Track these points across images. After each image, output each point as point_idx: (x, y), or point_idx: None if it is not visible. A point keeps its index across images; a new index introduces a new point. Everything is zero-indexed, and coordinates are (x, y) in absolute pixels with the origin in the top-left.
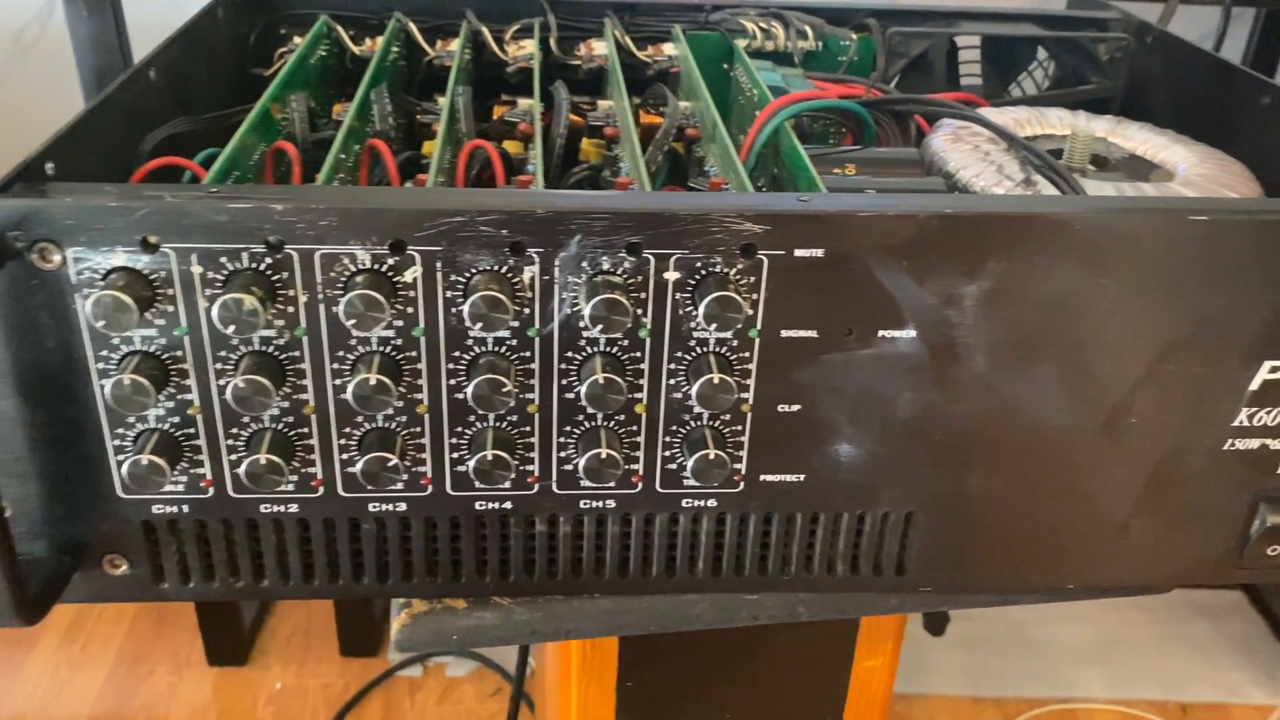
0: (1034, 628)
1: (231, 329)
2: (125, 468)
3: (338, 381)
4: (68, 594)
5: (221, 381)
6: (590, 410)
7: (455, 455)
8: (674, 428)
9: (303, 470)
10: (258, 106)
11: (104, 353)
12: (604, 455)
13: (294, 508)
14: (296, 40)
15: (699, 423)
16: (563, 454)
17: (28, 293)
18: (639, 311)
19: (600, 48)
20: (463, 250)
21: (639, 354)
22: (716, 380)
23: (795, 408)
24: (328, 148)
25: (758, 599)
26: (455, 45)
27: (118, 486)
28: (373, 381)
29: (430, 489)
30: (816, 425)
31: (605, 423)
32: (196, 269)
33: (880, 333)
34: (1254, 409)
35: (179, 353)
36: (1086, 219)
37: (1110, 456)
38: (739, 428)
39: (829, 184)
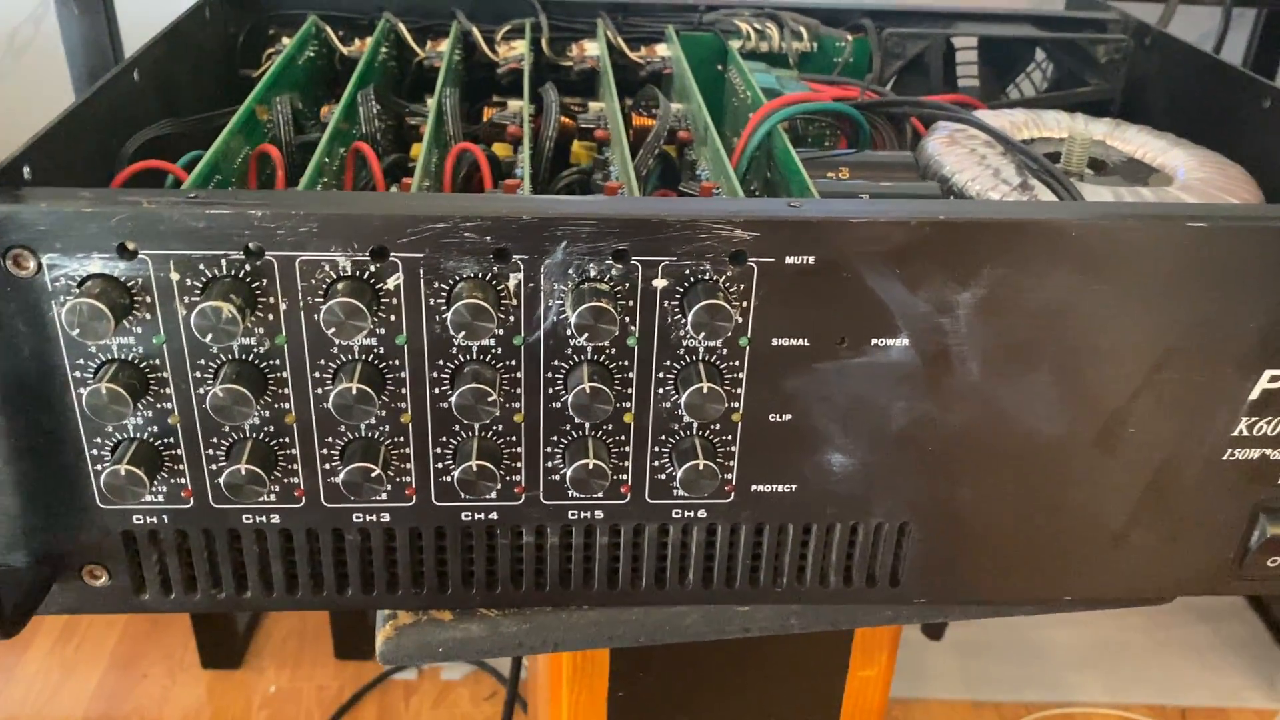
0: (1032, 632)
1: (210, 337)
2: (103, 478)
3: (319, 391)
4: (46, 605)
5: (201, 390)
6: (577, 420)
7: (440, 465)
8: (663, 438)
9: (285, 480)
10: (242, 108)
11: (81, 361)
12: (591, 466)
13: (276, 518)
14: (285, 40)
15: (688, 433)
16: (550, 464)
17: (2, 300)
18: (626, 320)
19: (592, 49)
20: (446, 257)
21: (627, 363)
22: (706, 390)
23: (786, 417)
24: (312, 151)
25: (749, 610)
26: (445, 46)
27: (96, 496)
28: (354, 391)
29: (415, 500)
30: (808, 435)
31: (593, 433)
32: (174, 276)
33: (873, 341)
34: (1254, 419)
35: (157, 361)
36: (1083, 225)
37: (1107, 467)
38: (729, 437)
39: (822, 188)
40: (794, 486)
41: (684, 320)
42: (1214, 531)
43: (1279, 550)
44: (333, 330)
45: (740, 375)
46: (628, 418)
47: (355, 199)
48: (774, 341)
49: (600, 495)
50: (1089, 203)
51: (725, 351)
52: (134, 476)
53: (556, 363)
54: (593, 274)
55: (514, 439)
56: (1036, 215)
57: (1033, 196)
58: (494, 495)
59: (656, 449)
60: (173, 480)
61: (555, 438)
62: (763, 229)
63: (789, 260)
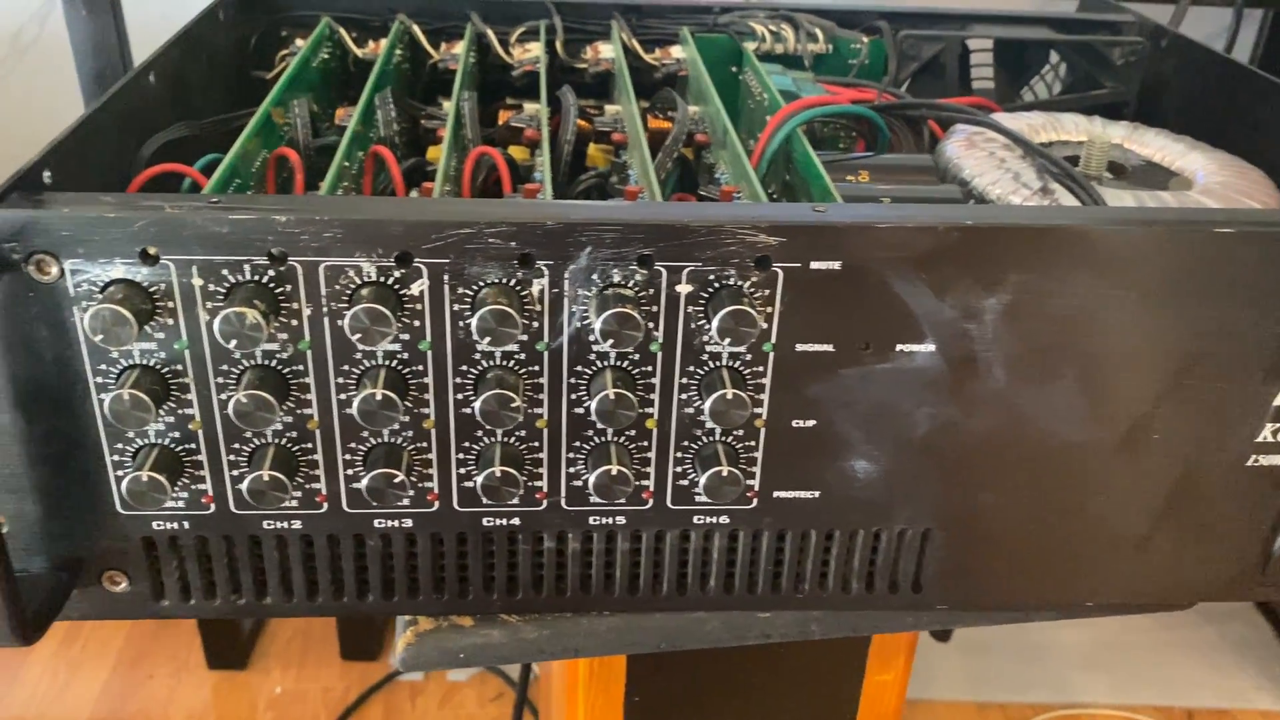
0: (1038, 633)
1: (234, 343)
2: (125, 484)
3: (342, 396)
4: (66, 611)
5: (223, 396)
6: (600, 426)
7: (462, 471)
8: (685, 443)
9: (306, 486)
10: (260, 111)
11: (103, 367)
12: (614, 472)
13: (297, 524)
14: (299, 42)
15: (711, 438)
16: (572, 470)
17: (24, 305)
18: (650, 325)
19: (607, 51)
20: (470, 263)
21: (650, 368)
22: (730, 396)
23: (810, 423)
24: (330, 153)
25: (770, 617)
26: (460, 48)
27: (117, 502)
28: (378, 396)
29: (437, 505)
30: (832, 441)
31: (615, 438)
32: (197, 281)
33: (898, 347)
34: (1278, 424)
35: (179, 367)
36: (1111, 231)
37: (1131, 472)
38: (752, 443)
39: (842, 191)
40: (817, 493)
41: (708, 326)
42: (1237, 537)
43: None
44: (358, 336)
45: (764, 381)
46: (650, 423)
47: (380, 204)
48: (798, 347)
49: (622, 501)
50: (1116, 208)
51: (749, 357)
52: (156, 483)
53: (579, 368)
54: (617, 279)
55: (536, 444)
56: (1064, 221)
57: (1053, 200)
58: (516, 501)
59: (679, 455)
60: (193, 486)
61: (577, 443)
62: (788, 234)
63: (814, 266)
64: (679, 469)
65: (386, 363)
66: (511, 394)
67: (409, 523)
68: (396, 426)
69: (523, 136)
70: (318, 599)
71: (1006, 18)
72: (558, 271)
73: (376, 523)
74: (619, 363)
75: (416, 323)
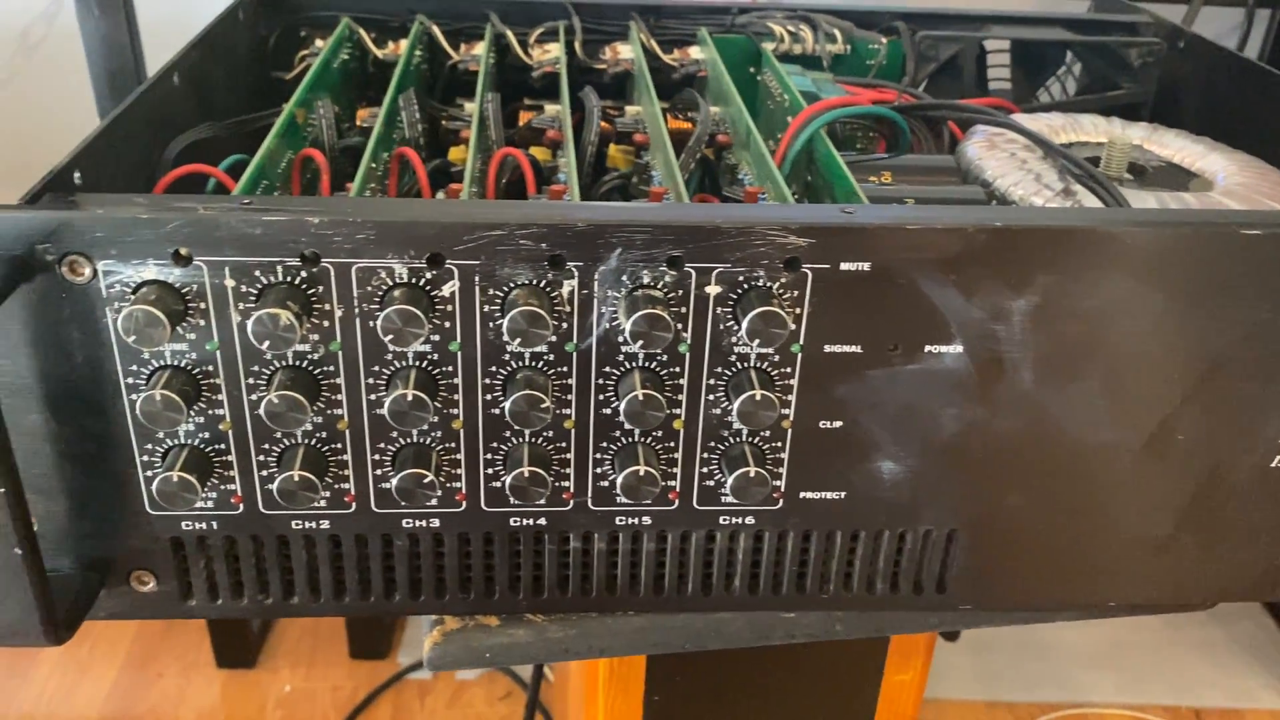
0: (1045, 632)
1: (267, 344)
2: (155, 484)
3: (373, 397)
4: (94, 610)
5: (254, 397)
6: (628, 426)
7: (490, 471)
8: (712, 444)
9: (335, 486)
10: (285, 112)
11: (134, 367)
12: (642, 472)
13: (326, 524)
14: (318, 43)
15: (738, 439)
16: (599, 470)
17: (57, 306)
18: (679, 326)
19: (625, 51)
20: (502, 264)
21: (678, 369)
22: (759, 397)
23: (837, 424)
24: (353, 154)
25: (794, 617)
26: (481, 49)
27: (146, 502)
28: (409, 397)
29: (465, 505)
30: (858, 442)
31: (643, 439)
32: (229, 282)
33: (926, 348)
34: None
35: (210, 367)
36: (1140, 233)
37: (1155, 473)
38: (779, 444)
39: (866, 192)
40: (843, 494)
41: (736, 327)
42: (1261, 538)
43: None
44: (390, 337)
45: (791, 382)
46: (677, 424)
47: (412, 206)
48: (826, 348)
49: (649, 501)
50: (1145, 210)
51: (777, 358)
52: (186, 483)
53: (608, 369)
54: (646, 281)
55: (564, 445)
56: (1093, 223)
57: (1076, 201)
58: (543, 501)
59: (705, 455)
60: (222, 486)
61: (605, 444)
62: (818, 235)
63: (843, 267)
64: (705, 469)
65: (417, 363)
66: (541, 395)
67: (436, 523)
68: (426, 427)
69: (544, 137)
70: (345, 599)
71: (1024, 18)
72: (587, 273)
73: (404, 523)
74: (647, 364)
75: (447, 324)
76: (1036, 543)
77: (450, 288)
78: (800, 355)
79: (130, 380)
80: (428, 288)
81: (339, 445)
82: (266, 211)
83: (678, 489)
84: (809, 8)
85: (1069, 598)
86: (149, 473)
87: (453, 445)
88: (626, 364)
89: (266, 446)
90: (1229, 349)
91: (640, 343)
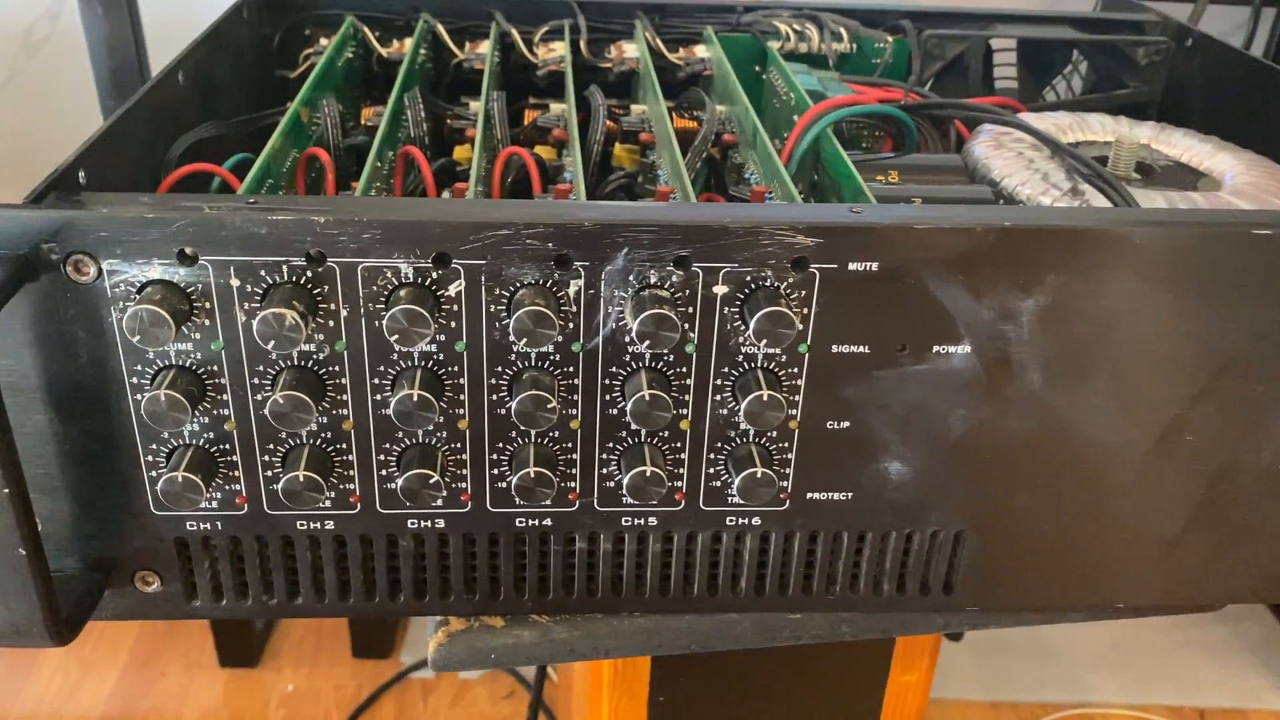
0: (1050, 632)
1: (272, 344)
2: (160, 485)
3: (378, 397)
4: (99, 611)
5: (259, 397)
6: (635, 427)
7: (496, 472)
8: (719, 445)
9: (340, 487)
10: (290, 111)
11: (139, 367)
12: (648, 473)
13: (331, 525)
14: (323, 41)
15: (745, 440)
16: (605, 471)
17: (61, 306)
18: (686, 326)
19: (631, 50)
20: (508, 264)
21: (685, 369)
22: (766, 397)
23: (844, 425)
24: (358, 153)
25: (800, 618)
26: (486, 48)
27: (151, 503)
28: (415, 397)
29: (470, 506)
30: (866, 443)
31: (649, 439)
32: (235, 282)
33: (934, 348)
34: None
35: (215, 367)
36: (1149, 233)
37: (1164, 474)
38: (786, 445)
39: (873, 192)
40: (850, 494)
41: (743, 327)
42: (1270, 539)
43: None
44: (396, 337)
45: (799, 382)
46: (684, 424)
47: (418, 205)
48: (834, 348)
49: (655, 502)
50: (1155, 209)
51: (784, 358)
52: (191, 483)
53: (614, 369)
54: (653, 280)
55: (570, 445)
56: (1103, 222)
57: (1083, 201)
58: (549, 501)
59: (712, 456)
60: (227, 487)
61: (611, 444)
62: (826, 235)
63: (851, 267)
64: (712, 470)
65: (422, 364)
66: (547, 395)
67: (442, 523)
68: (431, 427)
69: (550, 136)
70: (349, 599)
71: (1030, 17)
72: (594, 272)
73: (410, 523)
74: (654, 364)
75: (453, 324)
76: (1044, 544)
77: (456, 287)
78: (807, 355)
79: (135, 380)
80: (433, 287)
81: (344, 445)
82: (272, 211)
83: (684, 490)
84: (815, 6)
85: (1077, 599)
86: (153, 473)
87: (458, 445)
88: (633, 364)
89: (271, 447)
90: (1238, 349)
91: (647, 343)
